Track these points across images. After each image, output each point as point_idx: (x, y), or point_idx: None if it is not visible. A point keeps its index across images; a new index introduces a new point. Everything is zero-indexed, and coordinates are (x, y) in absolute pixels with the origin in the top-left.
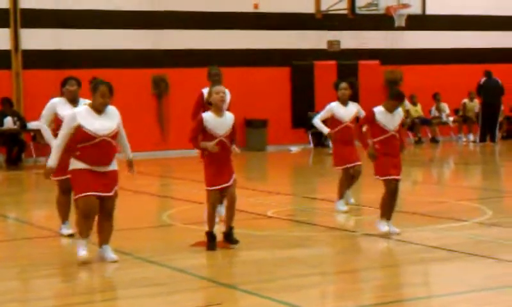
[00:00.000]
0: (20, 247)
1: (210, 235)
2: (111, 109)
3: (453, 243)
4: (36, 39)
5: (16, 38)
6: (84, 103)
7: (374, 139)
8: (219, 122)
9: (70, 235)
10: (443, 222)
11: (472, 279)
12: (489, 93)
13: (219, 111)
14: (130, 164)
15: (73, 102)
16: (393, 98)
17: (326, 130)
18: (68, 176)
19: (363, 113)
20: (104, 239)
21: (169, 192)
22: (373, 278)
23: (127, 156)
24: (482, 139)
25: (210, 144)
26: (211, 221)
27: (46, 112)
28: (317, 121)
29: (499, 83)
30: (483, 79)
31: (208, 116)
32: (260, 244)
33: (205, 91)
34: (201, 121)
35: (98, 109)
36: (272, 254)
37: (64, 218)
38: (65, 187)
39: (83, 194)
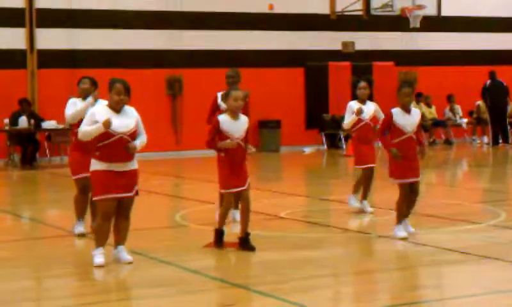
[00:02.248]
0: (34, 247)
1: (218, 232)
2: (129, 109)
3: (467, 245)
4: (51, 39)
5: (31, 38)
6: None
7: (391, 141)
8: (235, 125)
9: (82, 234)
10: (456, 225)
11: (485, 281)
12: (495, 94)
13: (234, 114)
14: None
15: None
16: (402, 87)
17: (353, 116)
18: (87, 174)
19: (381, 115)
20: (119, 239)
21: (182, 193)
22: (387, 280)
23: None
24: (495, 142)
25: (228, 142)
26: (222, 220)
27: (69, 108)
28: (347, 123)
29: (504, 84)
30: (488, 82)
31: (224, 119)
32: (274, 245)
33: (220, 94)
34: (217, 123)
35: (115, 107)
36: (285, 256)
37: (79, 215)
38: (83, 185)
39: (102, 197)
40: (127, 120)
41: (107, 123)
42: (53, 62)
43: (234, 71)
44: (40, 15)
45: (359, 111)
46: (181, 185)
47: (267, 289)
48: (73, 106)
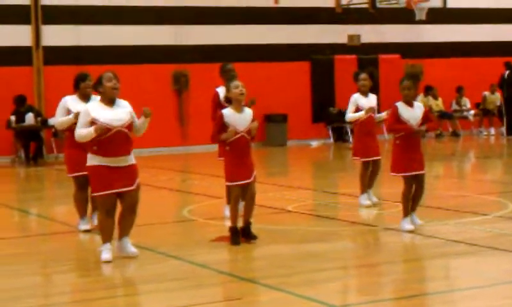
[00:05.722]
0: (41, 243)
1: (234, 230)
2: (122, 102)
3: (474, 237)
4: (57, 35)
5: (37, 35)
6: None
7: (396, 135)
8: (239, 117)
9: (87, 231)
10: (464, 216)
11: (492, 272)
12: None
13: (238, 106)
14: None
15: (87, 98)
16: (401, 80)
17: (361, 112)
18: (85, 172)
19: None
20: (123, 231)
21: (189, 188)
22: (394, 272)
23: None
24: (510, 132)
25: (229, 131)
26: (234, 216)
27: (59, 111)
28: (350, 115)
29: None
30: (506, 72)
31: (227, 112)
32: (281, 239)
33: (220, 89)
34: (221, 117)
35: (110, 96)
36: (292, 249)
37: (82, 214)
38: (82, 183)
39: (101, 193)
40: (122, 113)
41: (99, 130)
42: (59, 59)
43: (231, 64)
44: (45, 12)
45: (370, 110)
46: (188, 180)
47: (275, 282)
48: (63, 111)
